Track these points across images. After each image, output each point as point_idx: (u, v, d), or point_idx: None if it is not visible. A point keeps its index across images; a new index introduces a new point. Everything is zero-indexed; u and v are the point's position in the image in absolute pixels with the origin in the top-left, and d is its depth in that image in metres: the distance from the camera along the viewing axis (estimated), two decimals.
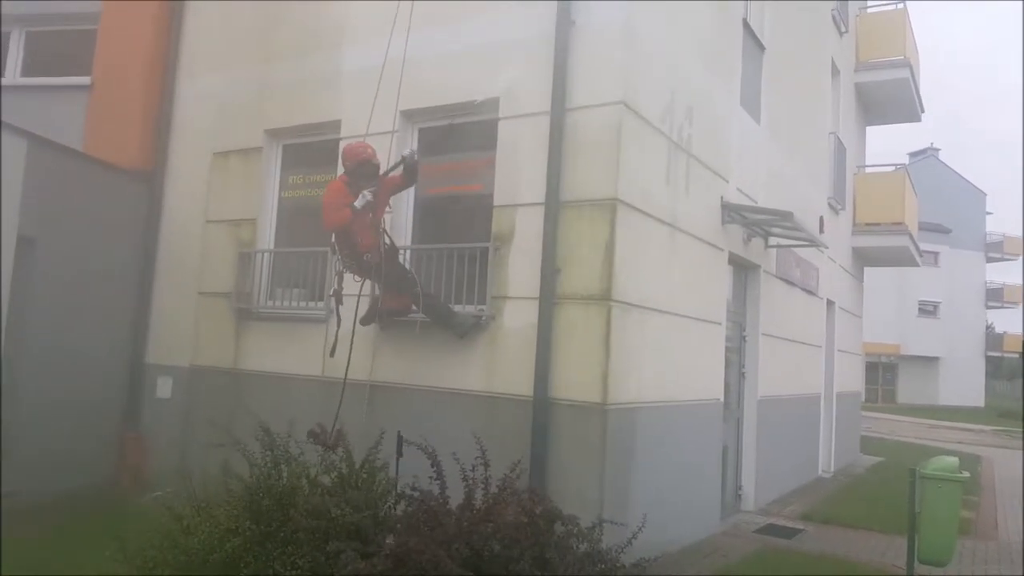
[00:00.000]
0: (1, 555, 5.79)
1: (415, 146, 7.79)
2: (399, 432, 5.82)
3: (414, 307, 6.99)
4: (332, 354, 6.72)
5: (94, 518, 7.37)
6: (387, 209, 7.20)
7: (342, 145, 7.27)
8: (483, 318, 6.97)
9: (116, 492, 8.63)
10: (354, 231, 6.59)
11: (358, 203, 6.49)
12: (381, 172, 6.87)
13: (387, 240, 6.93)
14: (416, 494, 4.88)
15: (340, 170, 7.07)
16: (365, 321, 7.09)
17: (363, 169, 6.72)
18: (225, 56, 9.44)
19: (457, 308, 7.06)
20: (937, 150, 52.02)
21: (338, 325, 6.79)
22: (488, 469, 5.05)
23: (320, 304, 7.99)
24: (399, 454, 5.66)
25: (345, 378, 6.58)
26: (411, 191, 7.73)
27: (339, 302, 6.80)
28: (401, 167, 6.85)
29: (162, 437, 9.02)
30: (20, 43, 10.55)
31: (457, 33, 7.47)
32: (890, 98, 17.46)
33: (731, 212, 8.87)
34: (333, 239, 6.77)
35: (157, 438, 9.10)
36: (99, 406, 8.93)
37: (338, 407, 6.32)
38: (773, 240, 10.51)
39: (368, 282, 7.05)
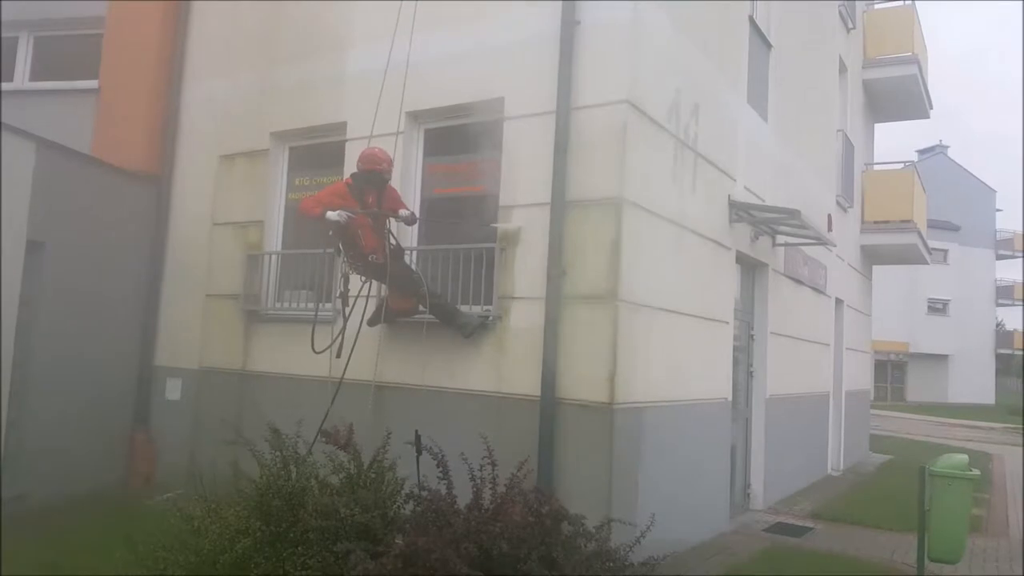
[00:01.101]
0: (1, 556, 5.80)
1: (421, 148, 7.85)
2: (416, 431, 5.79)
3: (421, 307, 7.00)
4: (339, 355, 6.75)
5: (104, 519, 7.39)
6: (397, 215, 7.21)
7: (358, 148, 7.27)
8: (489, 318, 6.98)
9: (126, 493, 8.67)
10: (356, 233, 6.61)
11: (331, 215, 6.54)
12: (391, 186, 6.98)
13: (392, 241, 6.95)
14: (425, 494, 4.88)
15: (352, 171, 7.08)
16: (372, 322, 7.12)
17: (371, 176, 6.77)
18: (231, 59, 9.47)
19: (464, 308, 7.07)
20: (946, 147, 51.77)
21: (344, 326, 6.80)
22: (495, 469, 5.05)
23: (328, 305, 8.01)
24: (419, 452, 5.60)
25: (341, 378, 6.67)
26: (417, 192, 7.78)
27: (345, 303, 6.82)
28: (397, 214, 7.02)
29: (171, 438, 9.07)
30: (28, 48, 10.61)
31: (462, 33, 7.48)
32: (898, 95, 17.39)
33: (738, 210, 8.86)
34: (339, 241, 6.78)
35: (166, 439, 9.15)
36: (108, 408, 8.97)
37: (329, 405, 6.37)
38: (781, 238, 10.49)
39: (376, 284, 7.07)
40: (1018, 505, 11.95)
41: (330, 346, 6.93)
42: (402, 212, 7.04)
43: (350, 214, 6.56)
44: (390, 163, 6.89)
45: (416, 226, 7.80)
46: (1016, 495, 12.99)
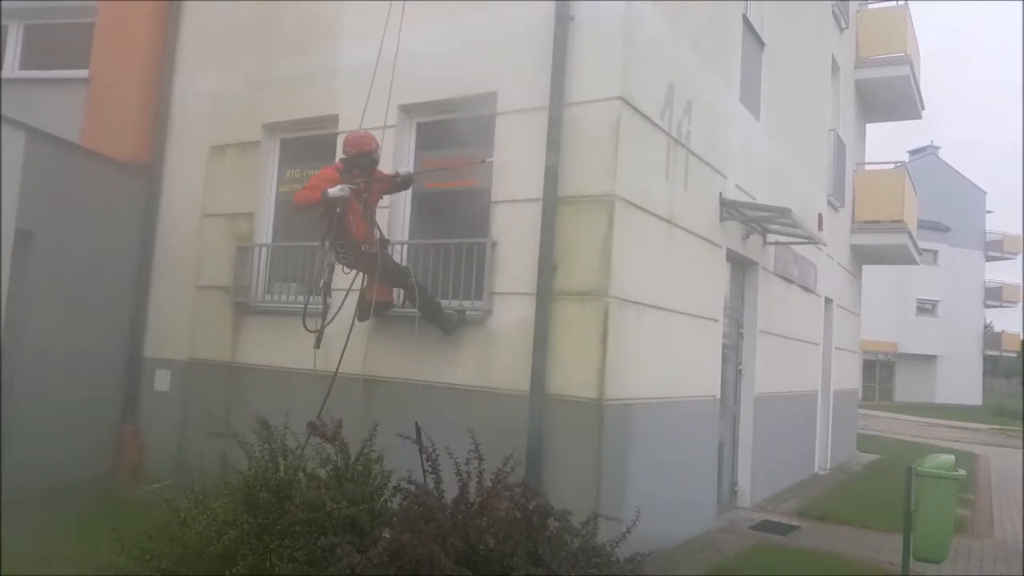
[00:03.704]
0: (1, 556, 5.76)
1: (413, 142, 7.83)
2: (416, 423, 5.74)
3: (407, 301, 6.98)
4: (317, 345, 6.68)
5: (92, 510, 7.38)
6: (381, 200, 7.16)
7: (344, 135, 7.25)
8: (467, 313, 6.98)
9: (114, 485, 8.63)
10: (348, 220, 6.56)
11: (332, 191, 6.39)
12: (377, 169, 6.88)
13: (378, 232, 6.91)
14: (411, 488, 4.88)
15: (340, 157, 7.05)
16: (362, 317, 7.05)
17: (360, 160, 6.71)
18: (223, 50, 9.41)
19: (455, 303, 7.06)
20: (937, 148, 52.00)
21: (326, 315, 6.77)
22: (482, 463, 5.05)
23: (318, 298, 7.98)
24: (420, 445, 5.53)
25: (335, 373, 6.59)
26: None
27: (327, 294, 6.78)
28: (394, 180, 6.93)
29: (160, 430, 9.03)
30: (19, 36, 10.54)
31: (456, 28, 7.46)
32: (890, 95, 17.45)
33: (729, 209, 8.87)
34: (328, 229, 6.72)
35: (155, 431, 9.11)
36: (97, 399, 8.94)
37: (324, 400, 6.33)
38: (771, 237, 10.51)
39: (358, 277, 6.99)
40: (1009, 505, 12.02)
41: (321, 329, 6.84)
42: (401, 170, 6.97)
43: (351, 186, 6.50)
44: (378, 144, 6.85)
45: (407, 220, 7.80)
46: (1001, 495, 13.06)
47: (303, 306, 6.90)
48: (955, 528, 7.25)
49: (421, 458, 5.32)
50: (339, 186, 6.43)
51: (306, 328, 6.75)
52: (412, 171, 7.30)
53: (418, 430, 5.55)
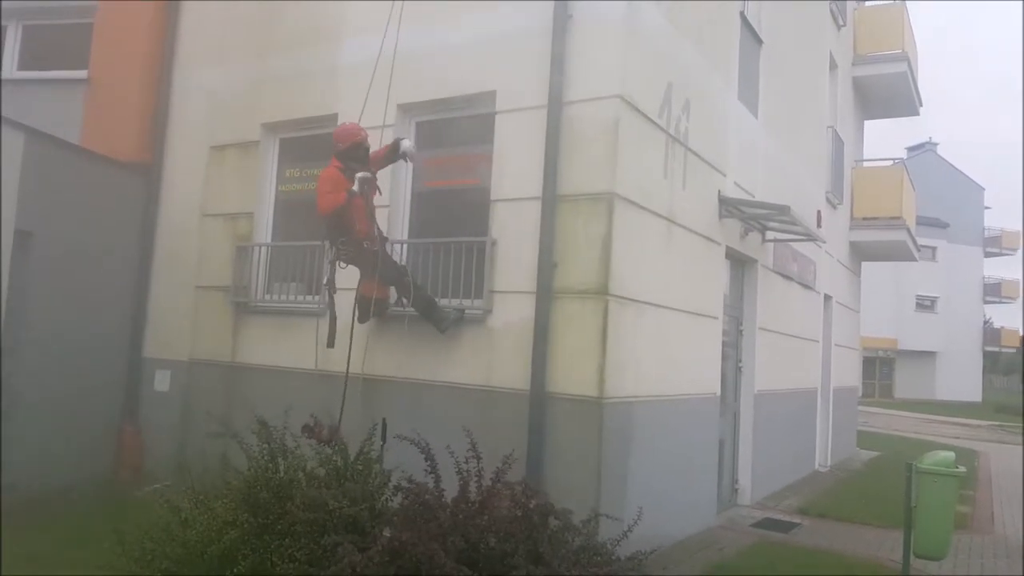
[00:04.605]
0: (1, 556, 5.76)
1: (412, 139, 7.83)
2: (383, 419, 5.81)
3: (403, 300, 7.00)
4: (331, 344, 6.72)
5: (92, 511, 7.38)
6: (377, 192, 7.13)
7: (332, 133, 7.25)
8: (467, 311, 6.98)
9: (114, 485, 8.64)
10: (352, 217, 6.57)
11: (356, 186, 6.46)
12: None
13: (377, 229, 6.91)
14: (412, 487, 4.88)
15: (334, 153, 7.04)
16: (362, 318, 7.05)
17: (355, 152, 6.72)
18: (222, 50, 9.41)
19: (455, 302, 7.07)
20: (935, 144, 52.01)
21: (334, 316, 6.78)
22: (481, 462, 5.06)
23: (317, 297, 7.99)
24: (383, 440, 5.66)
25: (347, 373, 6.59)
26: (408, 185, 7.75)
27: (333, 292, 6.79)
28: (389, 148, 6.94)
29: (160, 430, 9.02)
30: (17, 37, 10.52)
31: (455, 26, 7.46)
32: (888, 92, 17.46)
33: (728, 206, 8.88)
34: (330, 227, 6.73)
35: (155, 431, 9.10)
36: (97, 399, 8.93)
37: (342, 403, 6.34)
38: (770, 234, 10.51)
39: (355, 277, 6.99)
40: (1009, 502, 12.03)
41: (333, 328, 6.89)
42: (404, 143, 7.00)
43: (367, 172, 6.55)
44: (367, 134, 6.87)
45: (407, 219, 7.79)
46: (1002, 492, 13.07)
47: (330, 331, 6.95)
48: (956, 525, 7.26)
49: (381, 454, 5.40)
50: (357, 180, 6.50)
51: (331, 347, 6.85)
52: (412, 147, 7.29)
53: (384, 426, 5.62)
